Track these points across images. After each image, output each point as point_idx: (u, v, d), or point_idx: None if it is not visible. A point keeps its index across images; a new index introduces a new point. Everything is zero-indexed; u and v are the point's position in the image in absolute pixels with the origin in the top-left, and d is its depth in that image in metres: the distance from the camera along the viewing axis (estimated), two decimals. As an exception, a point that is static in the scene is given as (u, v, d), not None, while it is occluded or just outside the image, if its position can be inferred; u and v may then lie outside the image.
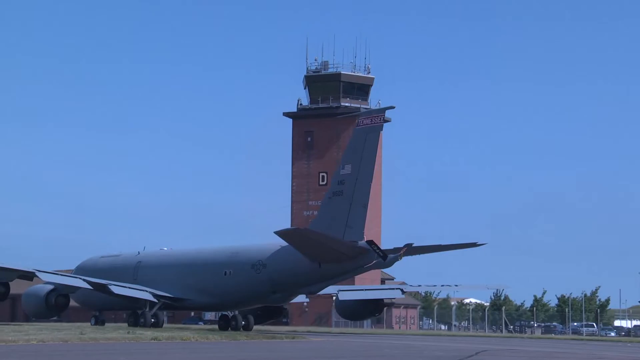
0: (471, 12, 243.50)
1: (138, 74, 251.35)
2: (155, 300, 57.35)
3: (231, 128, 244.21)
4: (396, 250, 51.98)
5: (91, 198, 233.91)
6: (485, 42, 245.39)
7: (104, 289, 56.98)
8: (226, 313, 61.11)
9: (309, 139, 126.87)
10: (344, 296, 61.92)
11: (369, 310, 62.92)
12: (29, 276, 56.04)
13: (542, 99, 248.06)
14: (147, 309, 57.02)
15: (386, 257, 50.73)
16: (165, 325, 60.49)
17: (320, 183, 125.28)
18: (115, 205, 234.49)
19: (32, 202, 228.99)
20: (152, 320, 56.43)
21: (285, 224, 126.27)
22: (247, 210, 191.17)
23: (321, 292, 60.31)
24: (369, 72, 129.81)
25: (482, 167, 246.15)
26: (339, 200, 50.27)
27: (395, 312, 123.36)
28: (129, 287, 57.82)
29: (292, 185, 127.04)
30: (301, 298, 62.57)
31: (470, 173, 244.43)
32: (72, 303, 63.92)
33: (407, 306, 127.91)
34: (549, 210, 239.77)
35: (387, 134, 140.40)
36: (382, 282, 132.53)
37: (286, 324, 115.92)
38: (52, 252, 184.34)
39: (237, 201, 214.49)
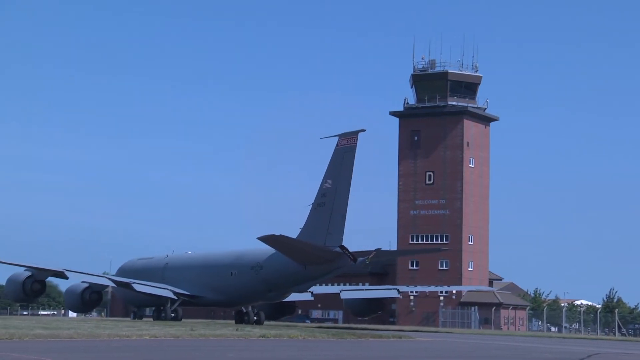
0: (580, 8, 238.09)
1: (239, 71, 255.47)
2: (175, 297, 64.60)
3: (337, 127, 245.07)
4: (366, 253, 56.50)
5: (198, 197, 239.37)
6: (591, 37, 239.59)
7: (128, 287, 64.33)
8: (241, 309, 67.45)
9: (416, 137, 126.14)
10: (345, 295, 70.13)
11: (372, 308, 70.54)
12: (60, 276, 62.20)
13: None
14: (169, 305, 64.55)
15: (356, 260, 56.21)
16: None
17: (427, 182, 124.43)
18: (226, 206, 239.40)
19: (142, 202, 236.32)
20: (172, 315, 63.99)
21: (393, 223, 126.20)
22: (351, 209, 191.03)
23: (331, 292, 73.92)
24: (477, 71, 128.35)
25: (594, 165, 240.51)
26: (322, 211, 56.82)
27: (503, 313, 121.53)
28: (151, 286, 65.04)
29: (398, 184, 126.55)
30: (303, 296, 67.90)
31: (580, 171, 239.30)
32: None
33: (515, 307, 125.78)
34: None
35: (495, 133, 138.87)
36: (490, 282, 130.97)
37: (393, 323, 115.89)
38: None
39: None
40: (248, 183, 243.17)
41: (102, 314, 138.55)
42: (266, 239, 53.47)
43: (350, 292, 72.08)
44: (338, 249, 55.47)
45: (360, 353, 30.16)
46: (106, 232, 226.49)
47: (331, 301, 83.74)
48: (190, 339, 33.48)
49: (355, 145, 56.64)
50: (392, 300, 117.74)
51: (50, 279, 65.20)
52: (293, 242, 55.72)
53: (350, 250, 55.92)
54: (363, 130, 56.75)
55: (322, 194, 57.21)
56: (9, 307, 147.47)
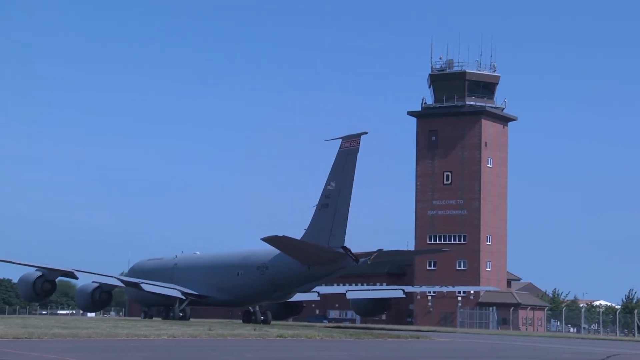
0: (600, 8, 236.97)
1: (260, 72, 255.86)
2: (183, 297, 65.53)
3: (354, 127, 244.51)
4: (368, 254, 56.77)
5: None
6: (611, 37, 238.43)
7: (136, 287, 65.36)
8: (248, 309, 67.97)
9: (434, 138, 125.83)
10: (351, 295, 70.65)
11: (379, 308, 71.54)
12: (70, 276, 63.49)
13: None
14: (177, 305, 65.40)
15: (358, 261, 56.72)
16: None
17: (445, 182, 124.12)
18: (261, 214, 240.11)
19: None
20: (180, 314, 64.82)
21: (411, 223, 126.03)
22: (369, 209, 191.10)
23: (337, 292, 75.57)
24: (495, 70, 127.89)
25: (613, 164, 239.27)
26: (326, 212, 57.38)
27: (521, 313, 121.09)
28: (160, 286, 66.05)
29: (416, 185, 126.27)
30: (308, 296, 68.64)
31: (599, 171, 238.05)
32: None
33: (534, 307, 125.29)
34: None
35: (513, 133, 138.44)
36: (509, 282, 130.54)
37: (411, 323, 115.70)
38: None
39: (358, 201, 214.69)
40: (249, 183, 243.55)
41: (121, 313, 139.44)
42: (270, 240, 54.11)
43: (356, 292, 72.82)
44: (341, 250, 56.06)
45: (378, 353, 30.14)
46: (107, 232, 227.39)
47: (349, 301, 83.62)
48: (208, 339, 33.60)
49: (358, 148, 57.10)
50: (410, 300, 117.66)
51: (68, 279, 65.69)
52: (296, 242, 56.25)
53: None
54: (365, 133, 57.16)
55: (325, 195, 57.88)
56: (27, 307, 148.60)
